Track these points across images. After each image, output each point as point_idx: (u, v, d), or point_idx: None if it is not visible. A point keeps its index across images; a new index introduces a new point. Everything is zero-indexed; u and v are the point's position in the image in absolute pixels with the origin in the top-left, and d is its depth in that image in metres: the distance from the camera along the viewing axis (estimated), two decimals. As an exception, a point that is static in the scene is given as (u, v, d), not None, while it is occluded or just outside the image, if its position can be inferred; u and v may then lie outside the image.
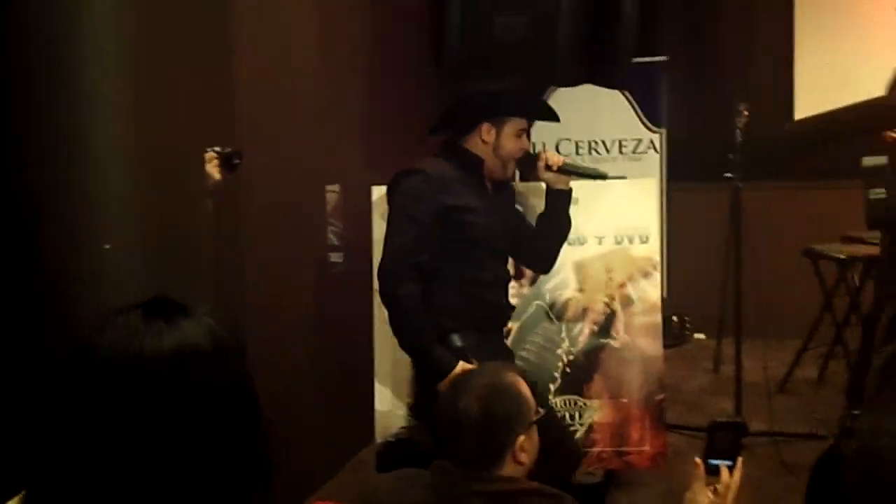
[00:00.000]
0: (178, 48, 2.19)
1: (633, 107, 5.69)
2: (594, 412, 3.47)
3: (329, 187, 3.92)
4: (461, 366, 2.69)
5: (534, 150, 3.13)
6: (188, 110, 2.27)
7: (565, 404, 3.48)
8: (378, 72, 4.24)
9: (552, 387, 3.48)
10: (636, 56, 5.29)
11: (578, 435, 3.45)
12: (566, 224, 3.05)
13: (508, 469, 1.97)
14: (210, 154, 2.53)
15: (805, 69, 5.32)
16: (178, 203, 2.09)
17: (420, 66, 4.10)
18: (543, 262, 3.20)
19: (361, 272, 3.62)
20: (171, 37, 2.15)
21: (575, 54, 3.56)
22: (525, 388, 2.04)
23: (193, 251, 2.10)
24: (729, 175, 4.08)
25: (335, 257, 3.99)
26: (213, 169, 2.54)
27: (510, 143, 2.88)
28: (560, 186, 2.96)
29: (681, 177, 5.68)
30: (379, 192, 3.56)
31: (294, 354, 3.59)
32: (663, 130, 5.69)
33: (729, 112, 4.31)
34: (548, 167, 2.90)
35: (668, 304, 5.61)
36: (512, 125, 2.88)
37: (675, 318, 5.50)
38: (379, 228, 3.55)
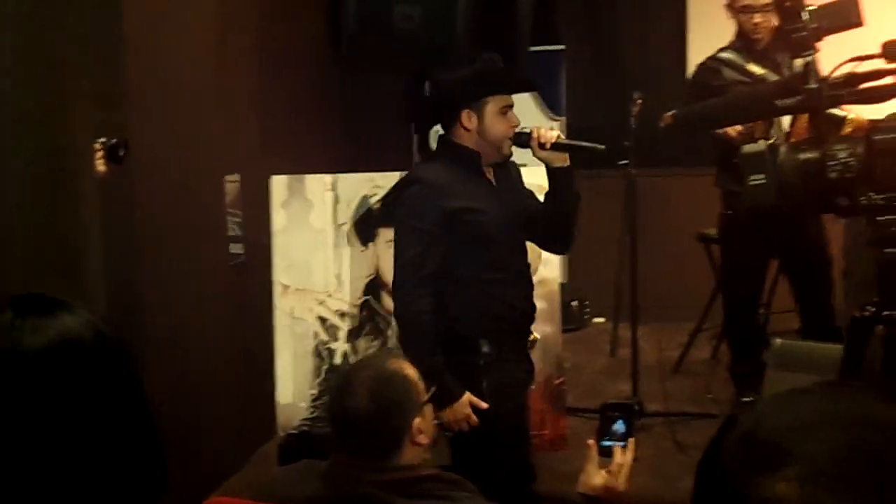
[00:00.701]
0: (68, 37, 2.13)
1: (533, 95, 5.75)
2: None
3: (228, 177, 3.86)
4: (467, 397, 2.65)
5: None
6: (76, 102, 2.21)
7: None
8: (275, 59, 4.18)
9: (454, 374, 3.52)
10: (534, 45, 5.36)
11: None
12: (574, 201, 2.84)
13: (408, 453, 1.99)
14: (95, 146, 2.48)
15: (698, 58, 5.46)
16: (64, 197, 2.03)
17: (318, 54, 4.07)
18: (559, 243, 3.03)
19: (262, 263, 3.60)
20: (60, 25, 2.09)
21: (472, 43, 3.58)
22: (412, 372, 2.06)
23: (79, 245, 2.05)
24: (624, 162, 4.17)
25: (235, 248, 3.93)
26: (97, 161, 2.49)
27: (496, 124, 2.73)
28: (559, 164, 2.76)
29: (581, 164, 5.75)
30: (279, 181, 3.54)
31: (194, 348, 3.54)
32: (563, 118, 5.78)
33: (626, 100, 4.40)
34: (541, 146, 2.71)
35: (568, 289, 5.71)
36: (493, 105, 2.73)
37: (574, 302, 5.60)
38: (280, 218, 3.53)
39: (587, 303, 5.75)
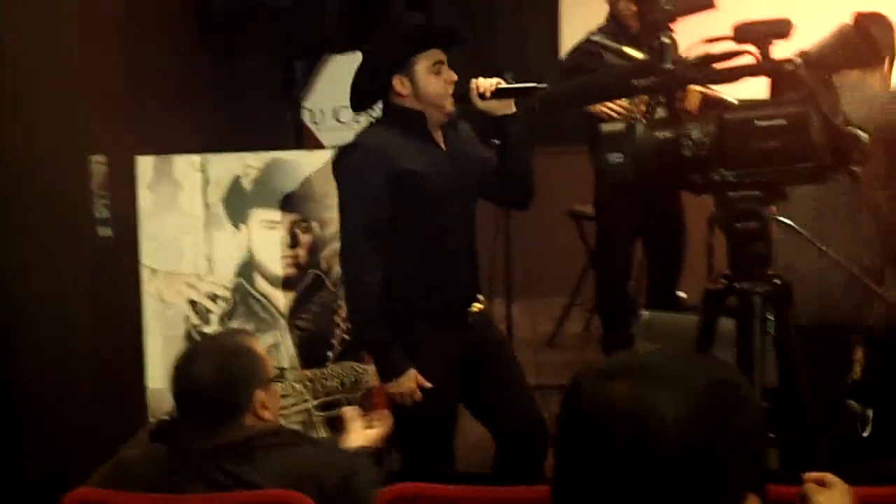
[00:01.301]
0: None
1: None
2: (372, 376, 3.52)
3: (95, 158, 3.72)
4: (413, 372, 2.61)
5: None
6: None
7: (344, 370, 3.51)
8: (142, 38, 4.05)
9: (330, 354, 3.51)
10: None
11: (357, 400, 3.49)
12: (528, 150, 2.74)
13: (251, 422, 2.03)
14: None
15: (570, 41, 5.56)
16: None
17: (187, 32, 3.95)
18: (519, 197, 2.88)
19: (129, 246, 3.49)
20: None
21: (344, 21, 3.55)
22: (260, 348, 2.12)
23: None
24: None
25: (103, 231, 3.80)
26: None
27: (430, 84, 2.60)
28: (504, 111, 2.65)
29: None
30: (144, 161, 3.44)
31: (61, 336, 3.42)
32: (437, 99, 5.80)
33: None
34: (481, 96, 2.60)
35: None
36: (422, 64, 2.59)
37: (452, 280, 5.65)
38: (146, 200, 3.43)
39: (464, 280, 5.81)
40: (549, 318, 4.98)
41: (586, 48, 3.93)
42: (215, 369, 2.00)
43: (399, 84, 2.61)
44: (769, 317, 1.87)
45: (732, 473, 0.99)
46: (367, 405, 3.50)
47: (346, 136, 5.70)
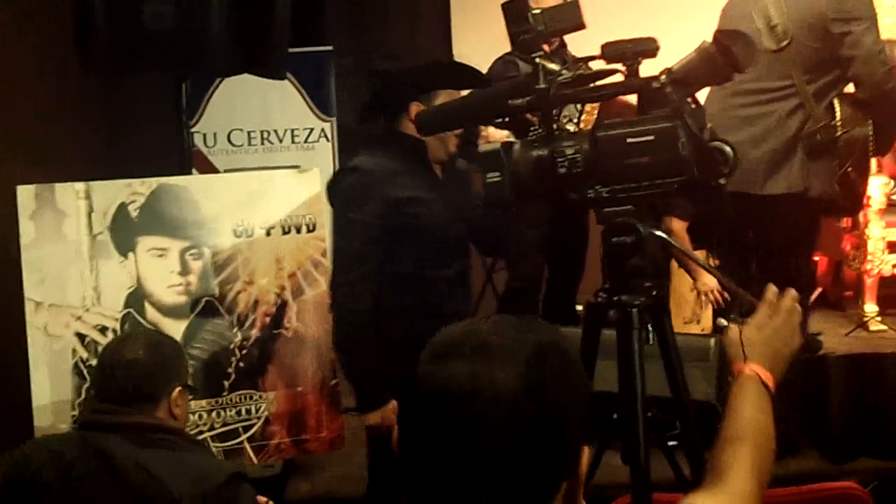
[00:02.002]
0: None
1: (303, 96, 5.73)
2: (270, 404, 3.48)
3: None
4: (392, 405, 2.55)
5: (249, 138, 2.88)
6: None
7: (241, 399, 3.45)
8: (15, 61, 3.92)
9: (226, 383, 3.44)
10: (302, 46, 5.32)
11: (256, 428, 3.43)
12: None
13: (162, 415, 2.11)
14: None
15: (462, 59, 5.62)
16: None
17: (65, 53, 3.84)
18: (503, 247, 2.97)
19: (11, 278, 3.36)
20: None
21: (230, 44, 3.50)
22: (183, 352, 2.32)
23: None
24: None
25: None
26: None
27: None
28: None
29: (352, 163, 5.81)
30: (25, 191, 3.32)
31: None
32: (333, 119, 5.79)
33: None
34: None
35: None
36: (442, 99, 2.58)
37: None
38: (28, 230, 3.31)
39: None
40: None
41: (505, 58, 3.98)
42: (145, 352, 2.11)
43: (416, 109, 2.58)
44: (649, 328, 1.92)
45: (568, 436, 1.05)
46: (266, 434, 3.46)
47: (240, 159, 5.70)
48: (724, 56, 1.61)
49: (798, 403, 3.36)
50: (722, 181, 1.65)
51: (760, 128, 3.34)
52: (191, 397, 2.40)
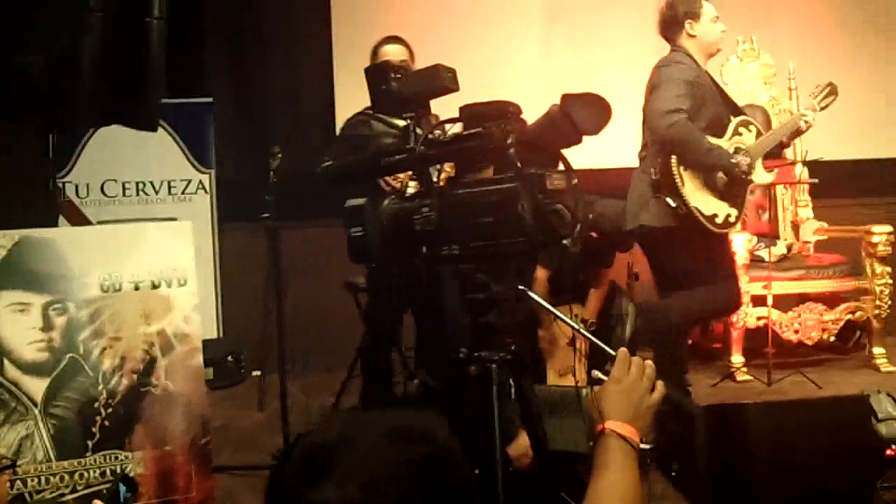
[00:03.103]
0: None
1: (180, 147, 5.66)
2: (137, 465, 3.36)
3: None
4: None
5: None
6: None
7: (106, 459, 3.33)
8: None
9: (90, 443, 3.32)
10: (182, 97, 5.27)
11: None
12: None
13: None
14: None
15: (345, 110, 5.65)
16: None
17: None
18: None
19: None
20: None
21: (100, 94, 3.44)
22: None
23: None
24: (265, 215, 4.19)
25: None
26: None
27: None
28: None
29: (232, 217, 5.75)
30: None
31: None
32: (212, 171, 5.72)
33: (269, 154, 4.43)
34: None
35: (224, 344, 5.61)
36: None
37: (230, 357, 5.51)
38: None
39: (243, 356, 5.67)
40: (329, 392, 4.93)
41: (358, 118, 4.02)
42: None
43: None
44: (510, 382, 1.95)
45: None
46: (136, 495, 3.33)
47: (114, 210, 5.57)
48: (566, 120, 1.66)
49: (667, 453, 3.45)
50: (566, 242, 1.69)
51: None
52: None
